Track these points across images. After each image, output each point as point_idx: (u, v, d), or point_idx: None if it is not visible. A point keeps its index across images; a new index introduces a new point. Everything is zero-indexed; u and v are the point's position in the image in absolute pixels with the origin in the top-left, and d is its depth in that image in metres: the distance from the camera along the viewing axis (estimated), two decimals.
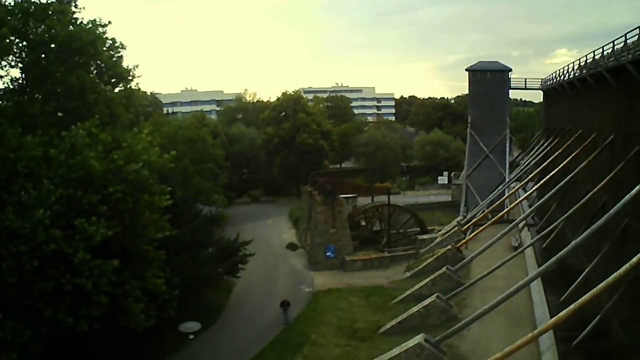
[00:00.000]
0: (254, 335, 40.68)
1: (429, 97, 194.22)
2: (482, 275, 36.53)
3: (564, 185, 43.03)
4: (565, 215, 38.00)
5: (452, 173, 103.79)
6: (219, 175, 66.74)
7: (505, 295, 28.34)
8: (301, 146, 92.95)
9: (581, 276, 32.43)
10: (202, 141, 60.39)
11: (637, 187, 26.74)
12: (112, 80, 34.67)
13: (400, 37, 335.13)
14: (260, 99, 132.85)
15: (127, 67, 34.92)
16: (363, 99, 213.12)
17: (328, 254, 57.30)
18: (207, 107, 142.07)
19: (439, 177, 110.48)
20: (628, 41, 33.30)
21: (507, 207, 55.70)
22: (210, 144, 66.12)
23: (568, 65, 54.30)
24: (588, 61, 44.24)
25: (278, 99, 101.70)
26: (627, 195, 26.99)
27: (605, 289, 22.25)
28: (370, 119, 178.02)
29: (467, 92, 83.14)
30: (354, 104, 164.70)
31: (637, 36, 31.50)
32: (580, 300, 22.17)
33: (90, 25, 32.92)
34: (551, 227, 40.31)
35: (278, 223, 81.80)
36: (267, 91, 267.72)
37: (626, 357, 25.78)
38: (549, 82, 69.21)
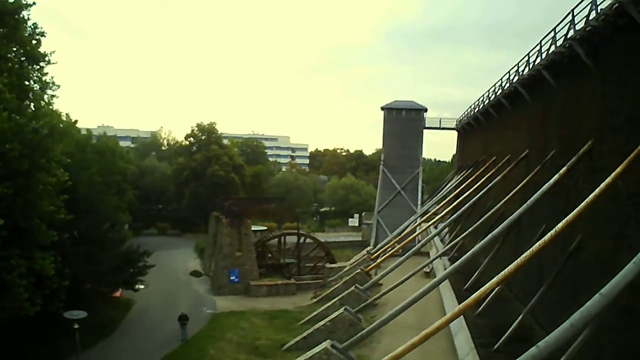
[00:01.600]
0: (149, 349, 38.46)
1: (343, 149, 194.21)
2: (392, 287, 35.31)
3: (474, 209, 42.45)
4: (470, 230, 37.25)
5: (363, 213, 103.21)
6: (126, 191, 63.91)
7: (415, 297, 27.12)
8: (212, 178, 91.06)
9: (491, 288, 31.40)
10: (111, 153, 57.46)
11: (542, 189, 26.31)
12: (28, 61, 32.43)
13: (322, 90, 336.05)
14: (175, 138, 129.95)
15: (44, 52, 32.78)
16: (278, 147, 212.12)
17: (232, 278, 55.22)
18: (123, 144, 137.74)
19: (350, 219, 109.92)
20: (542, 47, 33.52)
21: (417, 238, 54.72)
22: (120, 155, 63.20)
23: (482, 95, 54.52)
24: (503, 84, 44.16)
25: (192, 130, 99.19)
26: (532, 198, 26.55)
27: (503, 282, 21.95)
28: (284, 168, 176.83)
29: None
30: (269, 152, 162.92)
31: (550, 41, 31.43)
32: (483, 288, 21.64)
33: None
34: (458, 241, 39.57)
35: (184, 254, 79.63)
36: (183, 132, 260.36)
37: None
38: (463, 119, 69.70)
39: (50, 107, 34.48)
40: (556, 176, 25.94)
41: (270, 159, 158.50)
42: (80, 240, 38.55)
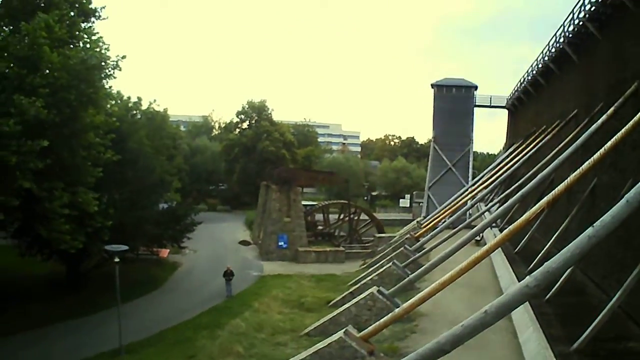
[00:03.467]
0: (192, 304, 38.48)
1: (395, 135, 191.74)
2: (440, 241, 34.46)
3: (525, 180, 41.09)
4: (521, 193, 35.78)
5: (414, 192, 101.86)
6: (175, 157, 63.69)
7: (463, 240, 26.16)
8: (262, 153, 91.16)
9: (544, 249, 30.16)
10: (160, 118, 56.98)
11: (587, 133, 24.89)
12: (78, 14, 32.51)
13: (375, 79, 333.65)
14: (226, 122, 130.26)
15: (95, 8, 33.00)
16: (330, 134, 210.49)
17: (280, 243, 55.01)
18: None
19: (401, 200, 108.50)
20: None
21: (468, 211, 53.25)
22: (169, 124, 62.73)
23: (531, 65, 52.76)
24: (550, 48, 42.75)
25: (243, 107, 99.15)
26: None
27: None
28: (335, 154, 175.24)
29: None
30: (320, 139, 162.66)
31: None
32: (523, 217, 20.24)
33: None
34: (508, 212, 38.05)
35: (233, 226, 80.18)
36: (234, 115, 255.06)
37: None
38: (513, 95, 68.05)
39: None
40: (604, 117, 24.53)
41: (322, 145, 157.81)
42: (127, 185, 38.72)
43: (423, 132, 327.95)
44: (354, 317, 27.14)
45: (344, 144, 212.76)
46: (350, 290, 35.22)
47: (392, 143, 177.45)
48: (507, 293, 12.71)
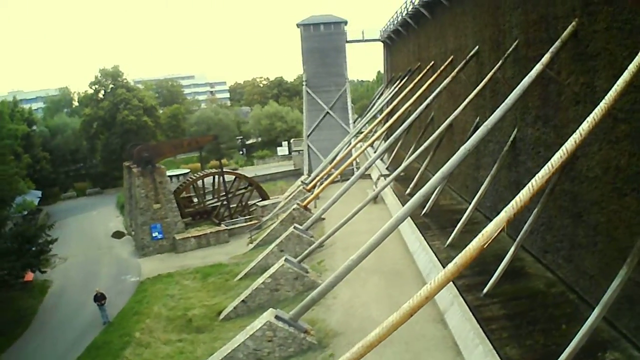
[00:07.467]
0: (69, 341, 32.69)
1: (263, 77, 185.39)
2: (338, 226, 29.50)
3: (416, 122, 36.97)
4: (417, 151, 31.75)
5: (292, 140, 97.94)
6: (21, 156, 56.41)
7: (372, 243, 20.76)
8: (123, 125, 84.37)
9: (465, 214, 26.15)
10: None
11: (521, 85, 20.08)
12: None
13: (235, 22, 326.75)
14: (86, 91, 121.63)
15: None
16: (196, 85, 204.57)
17: (154, 234, 48.99)
18: (34, 105, 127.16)
19: (279, 148, 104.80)
20: None
21: (353, 160, 48.99)
22: (8, 114, 54.86)
23: None
24: None
25: (95, 77, 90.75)
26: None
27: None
28: (203, 105, 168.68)
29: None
30: (186, 90, 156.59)
31: None
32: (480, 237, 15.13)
33: None
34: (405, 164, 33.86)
35: (104, 213, 72.98)
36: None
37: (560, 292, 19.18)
38: (388, 27, 63.53)
39: None
40: (538, 66, 19.69)
41: (189, 98, 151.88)
42: None
43: (291, 70, 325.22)
44: (253, 352, 22.26)
45: (211, 92, 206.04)
46: (242, 297, 30.16)
47: (261, 85, 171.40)
48: None
